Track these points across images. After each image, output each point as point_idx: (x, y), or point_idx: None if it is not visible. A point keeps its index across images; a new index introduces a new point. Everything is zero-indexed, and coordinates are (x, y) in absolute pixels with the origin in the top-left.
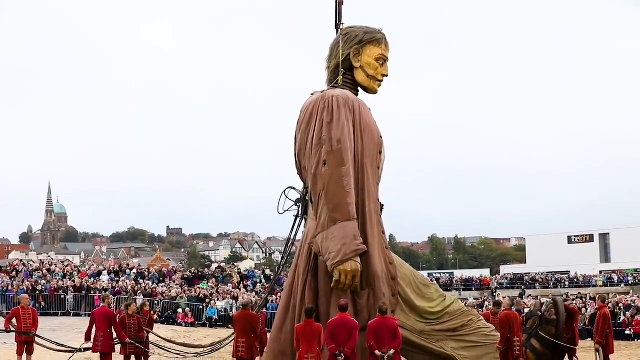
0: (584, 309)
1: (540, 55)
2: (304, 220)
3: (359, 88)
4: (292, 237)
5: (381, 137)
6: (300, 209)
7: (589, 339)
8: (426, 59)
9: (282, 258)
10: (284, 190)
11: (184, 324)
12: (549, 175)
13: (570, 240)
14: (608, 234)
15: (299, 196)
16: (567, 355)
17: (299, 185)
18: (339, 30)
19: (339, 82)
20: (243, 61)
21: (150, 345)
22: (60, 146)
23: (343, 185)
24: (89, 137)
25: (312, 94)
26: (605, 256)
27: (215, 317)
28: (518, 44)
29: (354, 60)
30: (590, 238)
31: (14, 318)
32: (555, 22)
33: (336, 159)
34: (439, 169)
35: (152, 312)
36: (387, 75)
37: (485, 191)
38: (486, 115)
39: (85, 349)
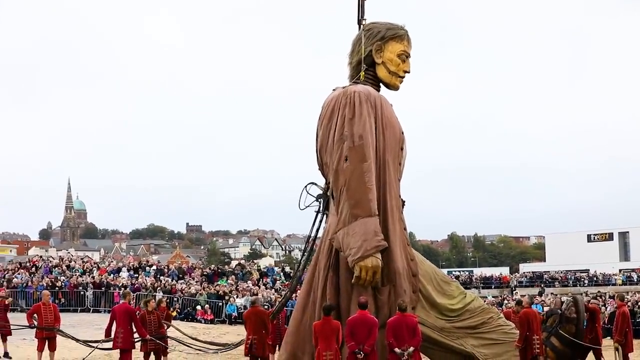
0: (603, 308)
1: (564, 52)
2: (325, 216)
3: (381, 84)
4: (312, 233)
5: (403, 133)
6: (321, 205)
7: (608, 337)
8: (443, 56)
9: (303, 254)
10: (305, 186)
11: (203, 321)
12: (569, 173)
13: (589, 238)
14: (628, 232)
15: (320, 192)
16: (593, 355)
17: (320, 180)
18: (362, 26)
19: (361, 77)
20: (258, 59)
21: (169, 341)
22: (79, 142)
23: (364, 181)
24: (108, 134)
25: (333, 90)
26: (625, 254)
27: (235, 314)
28: (527, 43)
29: (376, 56)
30: (609, 236)
31: (35, 314)
32: (562, 21)
33: (358, 154)
34: (458, 167)
35: (169, 310)
36: (408, 72)
37: (505, 189)
38: (505, 113)
39: (105, 345)
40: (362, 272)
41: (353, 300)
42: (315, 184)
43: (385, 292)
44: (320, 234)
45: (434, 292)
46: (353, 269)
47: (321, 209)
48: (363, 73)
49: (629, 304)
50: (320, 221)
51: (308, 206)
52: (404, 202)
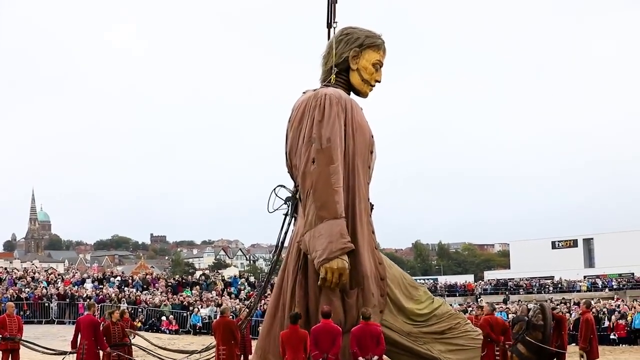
0: (568, 314)
1: (527, 59)
2: (293, 219)
3: (351, 90)
4: (281, 236)
5: (372, 137)
6: (290, 208)
7: (574, 344)
8: (405, 61)
9: (272, 257)
10: (274, 189)
11: (168, 332)
12: (532, 180)
13: (554, 245)
14: (592, 239)
15: (289, 195)
16: None
17: (289, 184)
18: (331, 29)
19: (332, 80)
20: (218, 67)
21: (134, 351)
22: (42, 153)
23: (331, 183)
24: (70, 144)
25: (303, 92)
26: (589, 261)
27: (200, 324)
28: (508, 45)
29: (352, 62)
30: (574, 243)
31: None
32: (530, 25)
33: (325, 157)
34: (422, 175)
35: (133, 321)
36: (379, 82)
37: (469, 197)
38: (468, 120)
39: (71, 357)
40: (328, 273)
41: (321, 302)
42: (284, 187)
43: (353, 296)
44: (289, 237)
45: (402, 296)
46: (319, 270)
47: (290, 211)
48: (334, 76)
49: (594, 310)
50: (289, 224)
51: (277, 209)
52: (372, 205)
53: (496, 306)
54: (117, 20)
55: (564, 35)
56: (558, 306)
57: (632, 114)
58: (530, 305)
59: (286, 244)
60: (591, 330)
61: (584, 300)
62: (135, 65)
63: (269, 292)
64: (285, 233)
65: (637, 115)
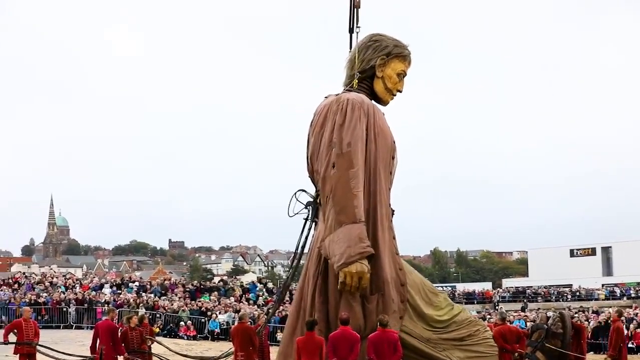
0: (585, 323)
1: (539, 65)
2: (314, 224)
3: (373, 97)
4: (302, 240)
5: (394, 142)
6: (310, 212)
7: (591, 352)
8: (434, 67)
9: (292, 262)
10: (295, 193)
11: (186, 337)
12: (551, 188)
13: (572, 253)
14: (610, 247)
15: (309, 199)
16: None
17: (310, 188)
18: (354, 34)
19: (354, 85)
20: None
21: (153, 357)
22: (61, 158)
23: (350, 188)
24: (90, 150)
25: (326, 97)
26: (608, 269)
27: (218, 330)
28: (518, 53)
29: (378, 69)
30: (592, 251)
31: (14, 330)
32: (545, 31)
33: (345, 161)
34: (441, 182)
35: (152, 326)
36: (401, 92)
37: (488, 204)
38: (488, 128)
39: (89, 358)
40: (347, 277)
41: (341, 308)
42: (305, 191)
43: (373, 301)
44: (309, 242)
45: (422, 302)
46: (338, 275)
47: (310, 216)
48: (356, 81)
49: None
50: (309, 229)
51: (297, 213)
52: (393, 211)
53: (514, 314)
54: (121, 27)
55: (572, 42)
56: (576, 314)
57: None
58: (550, 314)
59: (306, 249)
60: (621, 338)
61: (616, 308)
62: (136, 71)
63: (287, 298)
64: (306, 238)
65: None
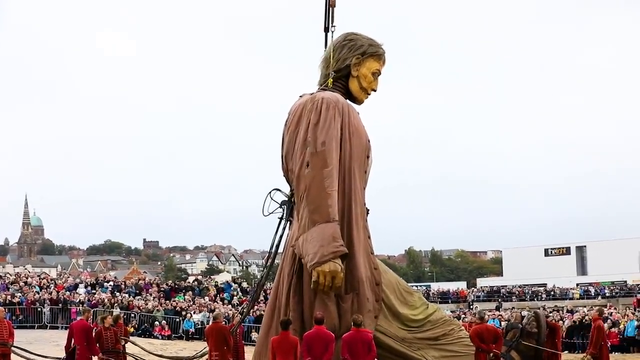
0: (560, 322)
1: (520, 67)
2: (289, 223)
3: (347, 96)
4: (276, 239)
5: (369, 141)
6: (285, 211)
7: (566, 352)
8: (400, 67)
9: (266, 262)
10: (269, 192)
11: (160, 337)
12: (525, 187)
13: (547, 252)
14: (585, 246)
15: (284, 198)
16: None
17: (285, 187)
18: (329, 34)
19: (329, 84)
20: (212, 75)
21: (128, 357)
22: (36, 159)
23: (324, 187)
24: (64, 150)
25: (300, 96)
26: (582, 269)
27: (192, 330)
28: (508, 52)
29: (353, 68)
30: (567, 251)
31: None
32: (540, 30)
33: (319, 160)
34: (415, 181)
35: (127, 326)
36: (375, 91)
37: (462, 204)
38: (463, 127)
39: (64, 359)
40: (320, 277)
41: (316, 307)
42: (280, 190)
43: (348, 300)
44: (284, 241)
45: (397, 302)
46: (312, 274)
47: (285, 215)
48: (331, 80)
49: (586, 318)
50: (284, 228)
51: (272, 212)
52: (368, 210)
53: (489, 313)
54: (110, 26)
55: (566, 42)
56: (551, 314)
57: (627, 122)
58: (524, 313)
59: (281, 248)
60: (602, 337)
61: (596, 307)
62: (127, 72)
63: (262, 297)
64: (281, 237)
65: (633, 124)
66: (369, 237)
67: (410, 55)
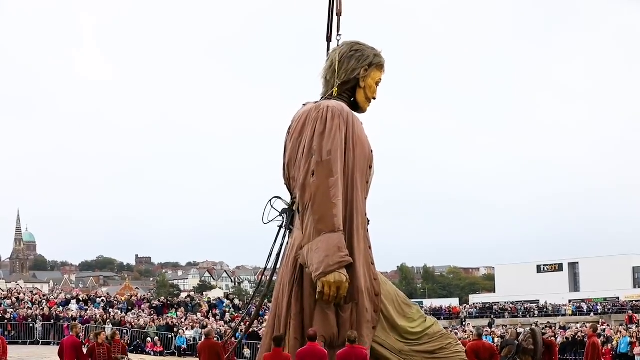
0: (553, 338)
1: (502, 84)
2: (289, 231)
3: (352, 105)
4: (276, 247)
5: (372, 152)
6: (285, 219)
7: None
8: (401, 89)
9: (264, 269)
10: (270, 200)
11: (152, 353)
12: (518, 204)
13: (539, 269)
14: (577, 263)
15: (285, 206)
16: None
17: (286, 195)
18: (331, 42)
19: (334, 93)
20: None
21: None
22: (28, 173)
23: (330, 197)
24: (57, 166)
25: (304, 105)
26: (575, 285)
27: (184, 346)
28: (479, 71)
29: (362, 79)
30: (559, 267)
31: None
32: (506, 48)
33: (325, 170)
34: (408, 198)
35: (124, 344)
36: (375, 99)
37: (455, 220)
38: (455, 145)
39: None
40: (325, 287)
41: (316, 316)
42: (280, 198)
43: (347, 310)
44: (283, 249)
45: (395, 313)
46: (317, 285)
47: (285, 223)
48: (336, 89)
49: (579, 334)
50: (284, 236)
51: (272, 220)
52: (369, 220)
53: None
54: (83, 45)
55: (533, 60)
56: (544, 330)
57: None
58: (520, 329)
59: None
60: (597, 354)
61: (590, 324)
62: (105, 94)
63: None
64: (281, 246)
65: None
66: (370, 248)
67: (404, 72)
